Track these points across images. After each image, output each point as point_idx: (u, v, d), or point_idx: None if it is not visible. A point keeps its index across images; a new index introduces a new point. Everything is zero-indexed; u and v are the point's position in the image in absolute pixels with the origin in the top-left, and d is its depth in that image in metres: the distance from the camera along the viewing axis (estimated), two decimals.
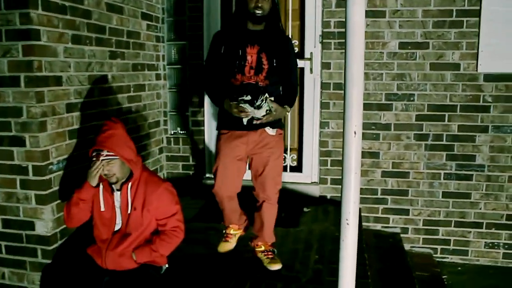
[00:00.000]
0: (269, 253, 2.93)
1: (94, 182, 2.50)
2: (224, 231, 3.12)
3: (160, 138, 4.26)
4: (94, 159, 2.46)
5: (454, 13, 3.66)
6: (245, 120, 2.70)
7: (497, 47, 3.62)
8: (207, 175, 4.26)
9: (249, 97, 2.66)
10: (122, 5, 3.45)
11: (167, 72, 4.24)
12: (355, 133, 2.29)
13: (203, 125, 4.24)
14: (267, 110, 2.60)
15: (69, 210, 2.55)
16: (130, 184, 2.53)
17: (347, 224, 2.33)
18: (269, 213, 2.91)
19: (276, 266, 2.83)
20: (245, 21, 2.77)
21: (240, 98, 2.66)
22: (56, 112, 2.77)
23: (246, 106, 2.60)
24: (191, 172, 4.33)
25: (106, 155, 2.43)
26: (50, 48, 2.70)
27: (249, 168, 2.91)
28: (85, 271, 2.53)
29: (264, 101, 2.60)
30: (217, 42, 2.82)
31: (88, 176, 2.49)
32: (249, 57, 2.74)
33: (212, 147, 4.22)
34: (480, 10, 3.62)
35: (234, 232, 3.09)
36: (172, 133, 4.32)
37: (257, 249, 2.96)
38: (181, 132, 4.30)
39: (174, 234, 2.57)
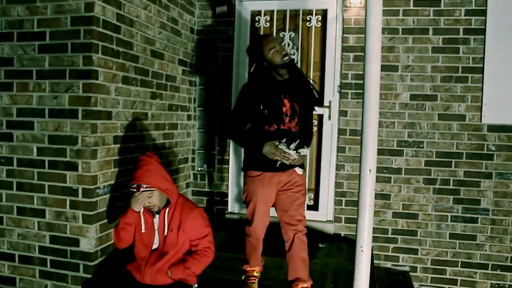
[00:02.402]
0: None
1: (138, 208, 2.83)
2: (246, 275, 3.20)
3: (188, 174, 4.61)
4: (135, 191, 2.79)
5: (460, 70, 4.05)
6: (278, 163, 2.93)
7: (499, 101, 3.98)
8: (229, 210, 4.57)
9: (287, 143, 2.88)
10: (163, 52, 3.90)
11: (197, 114, 4.65)
12: (370, 170, 2.65)
13: (228, 164, 4.59)
14: (299, 153, 2.88)
15: (118, 234, 2.87)
16: (167, 209, 2.86)
17: (362, 251, 2.64)
18: (304, 246, 3.04)
19: None
20: (271, 74, 2.97)
21: (281, 143, 2.86)
22: (105, 142, 3.14)
23: (288, 150, 2.83)
24: (214, 207, 4.64)
25: (146, 187, 2.77)
26: (105, 86, 3.11)
27: (273, 207, 3.09)
28: (125, 285, 2.82)
29: (299, 145, 2.91)
30: (248, 94, 2.98)
31: (132, 203, 2.82)
32: (284, 106, 2.95)
33: (235, 185, 4.56)
34: (483, 67, 4.00)
35: (257, 275, 3.23)
36: (199, 169, 4.68)
37: None
38: (207, 169, 4.66)
39: (205, 254, 2.87)
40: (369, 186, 2.66)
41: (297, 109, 2.99)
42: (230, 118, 3.12)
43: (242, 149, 3.24)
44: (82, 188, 3.04)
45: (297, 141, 2.91)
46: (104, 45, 3.06)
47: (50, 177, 3.10)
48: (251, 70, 3.15)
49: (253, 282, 3.17)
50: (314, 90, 3.05)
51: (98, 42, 3.00)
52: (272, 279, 3.32)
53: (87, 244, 3.07)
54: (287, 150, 2.84)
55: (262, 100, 2.93)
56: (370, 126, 2.63)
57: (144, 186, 2.76)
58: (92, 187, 3.03)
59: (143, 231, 2.87)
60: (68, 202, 3.08)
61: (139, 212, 2.85)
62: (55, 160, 3.07)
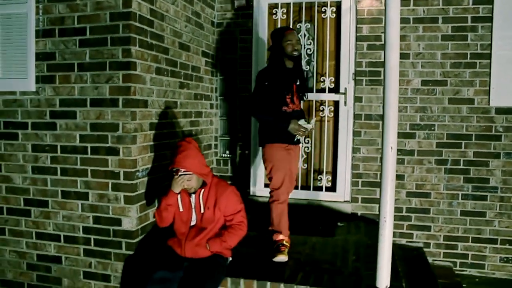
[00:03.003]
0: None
1: (178, 190, 3.08)
2: (277, 243, 3.46)
3: (212, 160, 4.87)
4: (174, 174, 3.05)
5: (469, 56, 4.28)
6: (296, 137, 3.56)
7: (506, 85, 4.20)
8: (252, 193, 4.83)
9: (305, 120, 3.51)
10: (189, 44, 4.14)
11: (219, 102, 4.91)
12: (391, 148, 2.93)
13: (249, 149, 4.84)
14: (312, 124, 3.52)
15: (160, 215, 3.12)
16: (202, 190, 3.11)
17: (385, 221, 2.92)
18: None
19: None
20: (283, 62, 3.51)
21: (300, 120, 3.46)
22: (143, 129, 3.39)
23: (307, 125, 3.44)
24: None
25: (184, 171, 3.02)
26: (141, 77, 3.35)
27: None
28: (168, 258, 3.07)
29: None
30: (265, 78, 3.46)
31: (172, 186, 3.07)
32: (293, 89, 3.55)
33: (257, 169, 4.81)
34: (490, 53, 4.22)
35: (287, 244, 3.50)
36: (222, 155, 4.93)
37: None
38: (229, 155, 4.92)
39: (239, 228, 3.13)
40: (390, 163, 2.95)
41: (300, 93, 3.64)
42: (254, 101, 3.49)
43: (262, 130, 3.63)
44: (124, 171, 3.29)
45: (305, 117, 3.60)
46: (140, 39, 3.31)
47: (93, 162, 3.35)
48: (269, 53, 3.70)
49: (284, 251, 3.43)
50: (307, 82, 3.85)
51: (135, 36, 3.24)
52: (298, 252, 3.56)
53: (129, 223, 3.33)
54: (306, 126, 3.44)
55: (278, 83, 3.45)
56: (391, 108, 2.90)
57: (182, 170, 3.01)
58: (132, 170, 3.28)
59: (181, 210, 3.12)
60: (110, 185, 3.33)
61: (178, 193, 3.11)
62: (97, 146, 3.33)
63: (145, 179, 3.46)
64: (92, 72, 3.30)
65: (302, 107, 3.70)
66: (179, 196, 3.11)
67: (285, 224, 3.52)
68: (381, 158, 2.93)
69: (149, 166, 3.51)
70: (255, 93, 3.51)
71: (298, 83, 3.58)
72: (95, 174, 3.36)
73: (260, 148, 3.64)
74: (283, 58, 3.49)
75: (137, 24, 3.25)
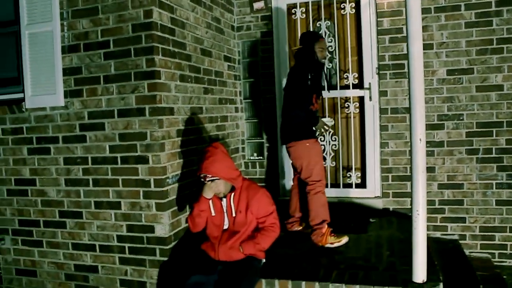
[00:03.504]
0: None
1: (209, 196, 3.10)
2: (327, 232, 3.66)
3: (240, 163, 4.89)
4: (202, 180, 3.06)
5: (495, 42, 4.18)
6: (318, 133, 3.86)
7: None
8: (281, 194, 4.85)
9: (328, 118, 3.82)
10: (211, 50, 4.18)
11: (244, 106, 4.93)
12: (420, 140, 2.90)
13: (276, 151, 4.85)
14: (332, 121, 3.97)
15: (193, 221, 3.15)
16: (232, 194, 3.12)
17: (418, 214, 2.89)
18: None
19: None
20: (322, 65, 3.84)
21: (324, 118, 3.94)
22: (170, 136, 3.43)
23: (329, 123, 3.88)
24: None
25: (211, 177, 3.04)
26: (166, 85, 3.40)
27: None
28: (202, 262, 3.10)
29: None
30: (306, 78, 3.67)
31: (204, 191, 3.09)
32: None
33: (285, 171, 4.81)
34: None
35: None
36: (250, 158, 4.96)
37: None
38: (258, 157, 4.93)
39: (272, 229, 3.13)
40: (420, 155, 2.91)
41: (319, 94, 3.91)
42: (302, 96, 3.68)
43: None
44: (154, 179, 3.34)
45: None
46: (163, 47, 3.35)
47: (123, 172, 3.42)
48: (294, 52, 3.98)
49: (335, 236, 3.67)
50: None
51: (158, 45, 3.29)
52: (332, 250, 3.55)
53: (162, 229, 3.37)
54: (329, 123, 3.85)
55: (315, 82, 3.71)
56: (417, 99, 2.87)
57: (210, 176, 3.03)
58: (162, 177, 3.33)
59: (213, 214, 3.14)
60: (141, 193, 3.39)
61: (210, 199, 3.13)
62: (126, 155, 3.39)
63: (175, 185, 3.50)
64: (117, 83, 3.36)
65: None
66: (211, 201, 3.14)
67: (328, 213, 3.73)
68: (410, 151, 2.90)
69: (179, 172, 3.55)
70: (301, 89, 3.65)
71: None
72: (126, 183, 3.42)
73: (286, 145, 3.82)
74: (317, 59, 3.75)
75: (159, 33, 3.30)
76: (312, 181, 3.68)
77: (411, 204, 2.85)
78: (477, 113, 4.27)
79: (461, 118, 4.31)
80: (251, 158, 4.95)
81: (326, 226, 3.67)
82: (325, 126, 3.80)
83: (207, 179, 3.04)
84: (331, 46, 4.63)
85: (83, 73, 3.46)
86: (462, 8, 4.23)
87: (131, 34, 3.29)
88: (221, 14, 4.46)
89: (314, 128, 3.76)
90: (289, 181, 4.81)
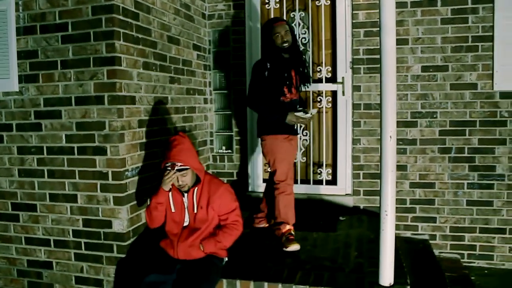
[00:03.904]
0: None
1: (167, 187, 2.93)
2: (286, 234, 3.41)
3: (207, 156, 4.73)
4: (169, 168, 2.88)
5: (470, 39, 4.11)
6: (296, 127, 3.56)
7: (510, 68, 4.03)
8: (250, 189, 4.70)
9: (303, 110, 3.44)
10: (179, 37, 3.99)
11: (213, 97, 4.76)
12: (390, 137, 2.77)
13: (246, 144, 4.70)
14: (312, 113, 3.47)
15: (150, 214, 2.98)
16: (196, 189, 2.96)
17: (386, 215, 2.77)
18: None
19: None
20: (279, 52, 3.43)
21: (298, 111, 3.41)
22: (131, 126, 3.25)
23: (306, 115, 3.39)
24: (235, 188, 4.73)
25: (180, 166, 2.87)
26: (127, 72, 3.21)
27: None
28: (160, 260, 2.94)
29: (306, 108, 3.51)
30: (262, 70, 3.41)
31: (162, 183, 2.91)
32: (293, 79, 3.47)
33: (255, 164, 4.67)
34: (493, 36, 4.05)
35: (294, 233, 3.45)
36: (218, 151, 4.79)
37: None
38: (226, 150, 4.77)
39: (234, 227, 2.98)
40: (390, 153, 2.78)
41: (299, 81, 3.58)
42: (251, 94, 3.45)
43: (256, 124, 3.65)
44: (112, 171, 3.16)
45: (303, 107, 3.55)
46: (125, 32, 3.16)
47: (80, 163, 3.22)
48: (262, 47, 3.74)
49: (294, 240, 3.37)
50: (307, 70, 3.69)
51: (119, 30, 3.10)
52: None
53: (120, 225, 3.20)
54: (305, 116, 3.39)
55: (269, 72, 3.39)
56: (388, 96, 2.74)
57: (179, 164, 2.86)
58: (121, 169, 3.15)
59: (173, 210, 2.98)
60: (99, 186, 3.20)
61: (169, 191, 2.97)
62: (84, 146, 3.20)
63: (136, 178, 3.33)
64: (76, 69, 3.16)
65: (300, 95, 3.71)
66: (170, 196, 2.97)
67: (292, 215, 3.48)
68: None
69: (139, 164, 3.38)
70: (252, 84, 3.47)
71: (297, 72, 3.54)
72: (83, 175, 3.23)
73: (259, 140, 3.60)
74: (278, 49, 3.42)
75: (120, 17, 3.11)
76: (277, 180, 3.46)
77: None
78: (451, 111, 4.19)
79: (434, 116, 4.23)
80: (220, 151, 4.78)
81: (287, 227, 3.45)
82: (301, 120, 3.43)
83: (176, 168, 2.86)
84: (304, 38, 4.48)
85: (39, 57, 3.24)
86: (439, 3, 4.14)
87: (91, 16, 3.09)
88: (191, 0, 4.27)
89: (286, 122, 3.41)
90: (258, 176, 4.67)
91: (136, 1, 3.31)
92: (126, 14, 3.18)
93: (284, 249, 3.34)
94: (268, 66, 3.40)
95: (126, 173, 3.20)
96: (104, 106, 3.11)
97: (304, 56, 3.72)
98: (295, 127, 3.60)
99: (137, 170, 3.34)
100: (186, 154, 2.89)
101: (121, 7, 3.11)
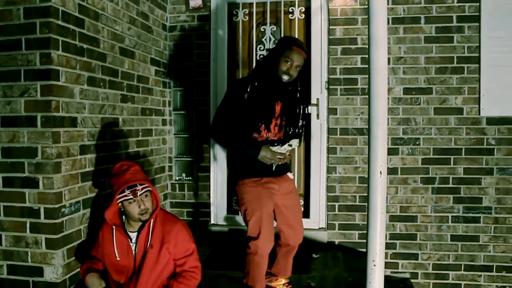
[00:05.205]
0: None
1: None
2: None
3: (165, 184, 4.19)
4: (130, 197, 2.38)
5: (455, 60, 3.79)
6: (274, 166, 2.77)
7: (498, 91, 3.74)
8: (213, 221, 4.18)
9: (279, 144, 2.76)
10: (133, 50, 3.49)
11: (173, 118, 4.24)
12: (381, 173, 2.28)
13: (209, 171, 4.19)
14: (291, 145, 2.76)
15: (85, 275, 2.52)
16: (152, 220, 2.46)
17: (374, 265, 2.27)
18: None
19: None
20: (277, 76, 2.71)
21: (273, 146, 2.72)
22: (70, 153, 2.72)
23: (282, 150, 2.71)
24: (196, 220, 4.23)
25: (142, 189, 2.40)
26: (67, 88, 2.69)
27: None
28: None
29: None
30: (241, 91, 2.72)
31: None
32: (276, 113, 2.78)
33: (218, 194, 4.18)
34: (479, 57, 3.75)
35: None
36: (177, 179, 4.26)
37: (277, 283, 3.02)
38: (186, 178, 4.24)
39: (192, 276, 2.50)
40: (380, 191, 2.28)
41: (285, 120, 2.83)
42: (220, 117, 2.76)
43: (225, 156, 2.96)
44: (44, 207, 2.60)
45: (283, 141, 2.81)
46: (65, 41, 2.64)
47: (6, 197, 2.65)
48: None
49: None
50: (301, 112, 2.90)
51: (57, 37, 2.58)
52: None
53: (53, 273, 2.64)
54: (281, 151, 2.72)
55: (259, 101, 2.71)
56: (379, 122, 2.26)
57: (140, 188, 2.40)
58: (56, 206, 2.60)
59: (118, 258, 2.47)
60: (28, 225, 2.64)
61: (112, 236, 2.47)
62: (11, 176, 2.63)
63: (76, 215, 2.78)
64: (3, 83, 2.60)
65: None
66: (114, 241, 2.46)
67: (263, 279, 2.78)
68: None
69: (81, 199, 2.83)
70: (224, 107, 2.76)
71: (284, 108, 2.80)
72: (9, 212, 2.65)
73: (226, 168, 3.18)
74: (276, 73, 2.70)
75: (59, 22, 2.59)
76: (248, 236, 2.68)
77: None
78: (435, 138, 3.84)
79: (417, 142, 3.86)
80: (179, 178, 4.24)
81: None
82: (278, 157, 2.71)
83: (139, 193, 2.38)
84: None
85: None
86: (422, 21, 3.81)
87: (23, 20, 2.55)
88: (150, 9, 3.78)
89: (259, 159, 2.70)
90: (222, 207, 4.17)
91: (81, 4, 2.80)
92: (67, 19, 2.66)
93: None
94: (251, 88, 2.70)
95: (63, 209, 2.65)
96: (37, 129, 2.57)
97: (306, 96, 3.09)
98: (274, 166, 2.78)
99: (77, 205, 2.79)
100: (143, 174, 2.49)
101: (60, 11, 2.59)
